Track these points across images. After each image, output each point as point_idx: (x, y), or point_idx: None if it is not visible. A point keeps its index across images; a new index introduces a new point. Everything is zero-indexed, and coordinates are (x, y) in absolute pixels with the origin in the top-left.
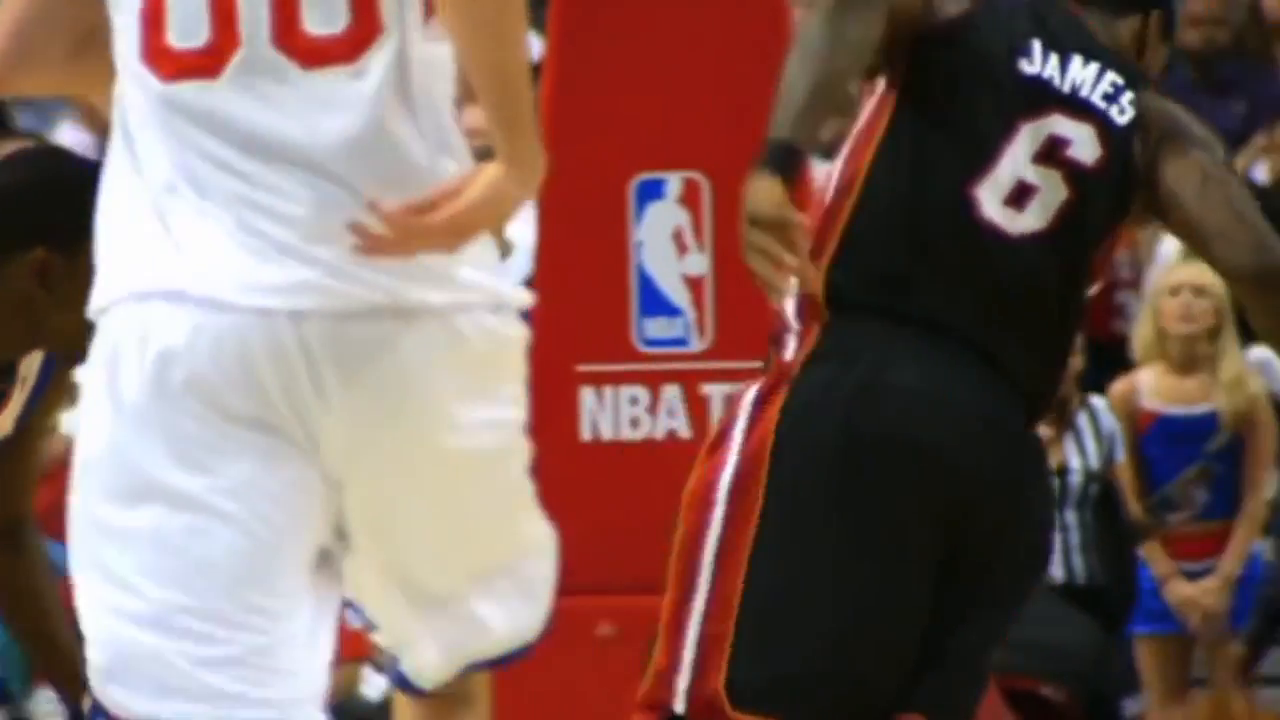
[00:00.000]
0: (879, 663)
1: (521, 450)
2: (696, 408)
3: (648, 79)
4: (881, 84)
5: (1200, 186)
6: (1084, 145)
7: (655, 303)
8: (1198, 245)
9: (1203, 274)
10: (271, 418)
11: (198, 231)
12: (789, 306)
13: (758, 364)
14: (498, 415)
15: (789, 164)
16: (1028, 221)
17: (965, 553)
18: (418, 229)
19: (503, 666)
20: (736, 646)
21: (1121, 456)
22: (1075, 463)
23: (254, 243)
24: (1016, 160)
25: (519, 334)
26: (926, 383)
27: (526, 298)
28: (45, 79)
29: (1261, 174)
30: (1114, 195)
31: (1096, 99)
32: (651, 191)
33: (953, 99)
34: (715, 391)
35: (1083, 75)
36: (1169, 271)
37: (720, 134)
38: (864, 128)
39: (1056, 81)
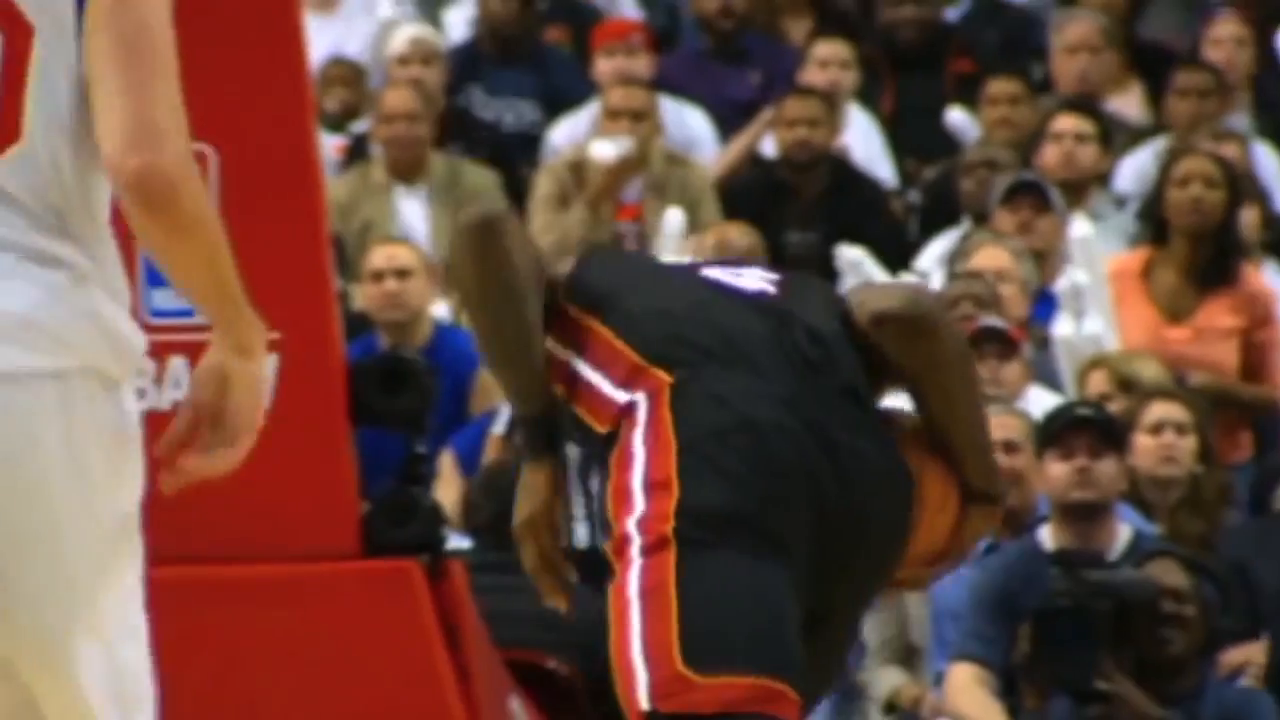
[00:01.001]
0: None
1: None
2: None
3: None
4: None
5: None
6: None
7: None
8: (880, 319)
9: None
10: None
11: None
12: (616, 396)
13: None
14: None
15: (537, 439)
16: (754, 285)
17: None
18: (220, 463)
19: None
20: (683, 638)
21: None
22: None
23: None
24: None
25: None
26: (798, 417)
27: (140, 367)
28: None
29: (770, 147)
30: (822, 298)
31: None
32: None
33: (634, 283)
34: None
35: None
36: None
37: (228, 107)
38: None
39: None
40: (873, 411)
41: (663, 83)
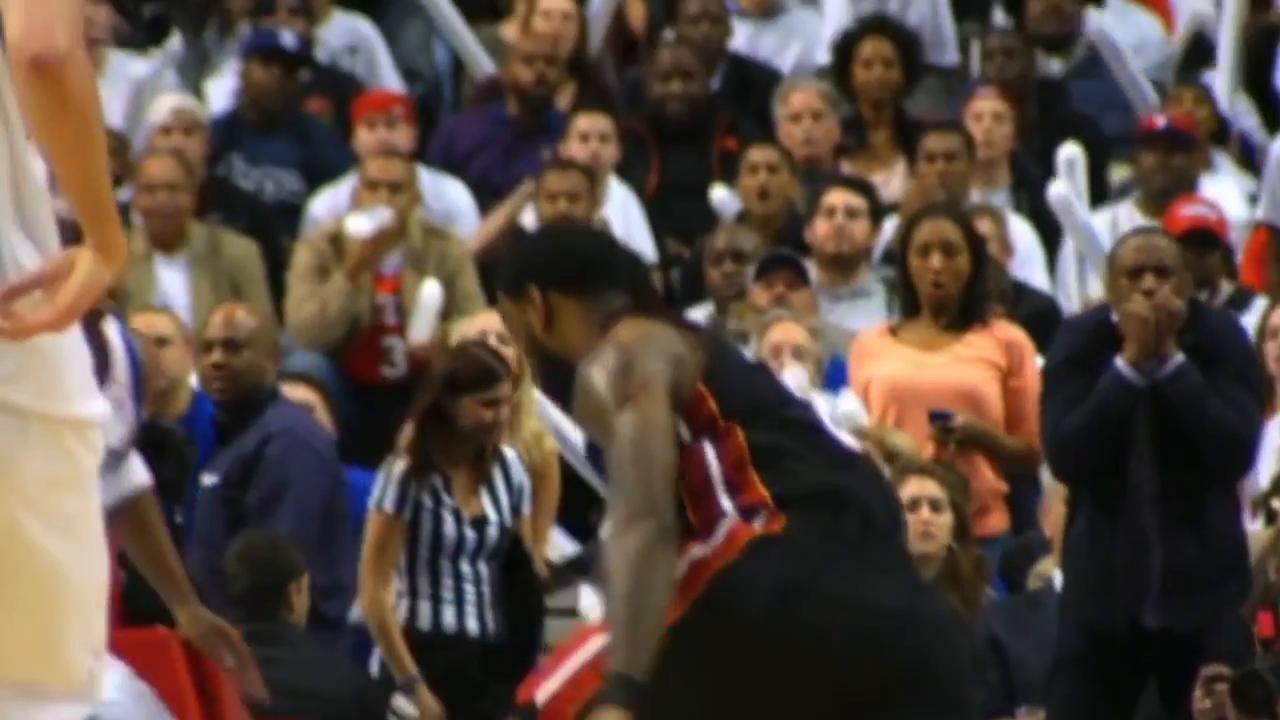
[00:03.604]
0: None
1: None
2: None
3: None
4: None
5: None
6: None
7: None
8: None
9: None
10: None
11: None
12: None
13: None
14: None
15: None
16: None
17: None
18: (33, 320)
19: None
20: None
21: (528, 509)
22: (493, 515)
23: None
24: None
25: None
26: (901, 601)
27: (94, 411)
28: None
29: (530, 218)
30: None
31: None
32: None
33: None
34: None
35: None
36: (471, 323)
37: None
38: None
39: None
40: None
41: (443, 153)
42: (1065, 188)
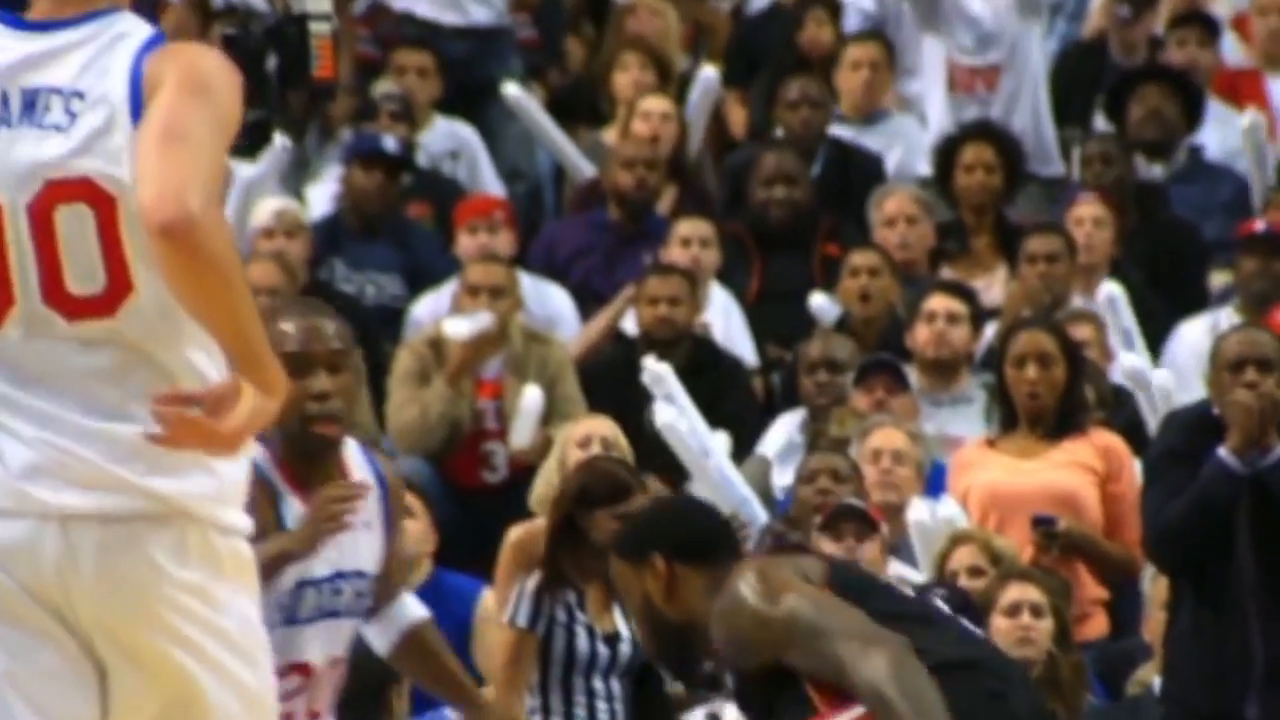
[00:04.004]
0: None
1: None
2: None
3: None
4: None
5: None
6: None
7: None
8: None
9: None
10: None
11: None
12: None
13: None
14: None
15: None
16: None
17: None
18: (205, 430)
19: None
20: None
21: None
22: (625, 631)
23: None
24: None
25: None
26: None
27: (245, 525)
28: None
29: (631, 323)
30: None
31: None
32: None
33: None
34: None
35: None
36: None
37: None
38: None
39: None
40: None
41: (544, 258)
42: (1136, 359)
